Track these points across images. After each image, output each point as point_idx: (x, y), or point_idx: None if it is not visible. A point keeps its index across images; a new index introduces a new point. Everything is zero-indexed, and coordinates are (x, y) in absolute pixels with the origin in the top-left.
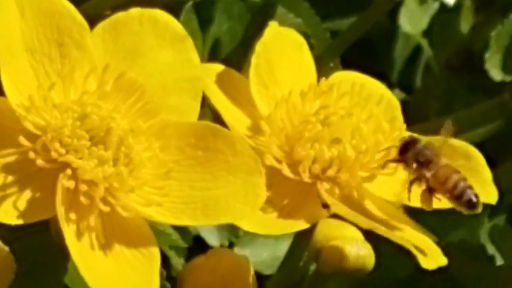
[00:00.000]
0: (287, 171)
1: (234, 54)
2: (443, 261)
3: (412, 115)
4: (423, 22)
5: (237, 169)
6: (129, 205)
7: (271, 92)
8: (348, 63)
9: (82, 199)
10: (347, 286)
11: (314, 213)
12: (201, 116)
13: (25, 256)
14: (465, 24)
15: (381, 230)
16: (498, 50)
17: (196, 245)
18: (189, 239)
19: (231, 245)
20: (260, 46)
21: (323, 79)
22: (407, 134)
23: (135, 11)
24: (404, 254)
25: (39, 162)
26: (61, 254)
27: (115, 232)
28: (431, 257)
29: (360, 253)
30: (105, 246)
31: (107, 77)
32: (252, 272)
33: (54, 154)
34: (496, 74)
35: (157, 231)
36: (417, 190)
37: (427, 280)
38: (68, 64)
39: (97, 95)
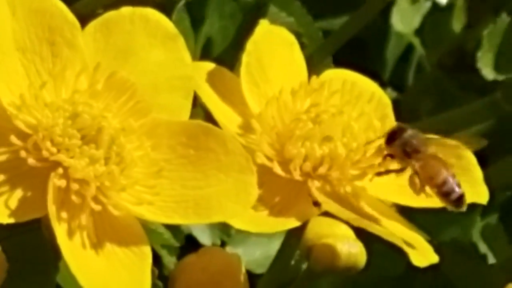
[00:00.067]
0: (278, 169)
1: (226, 53)
2: (434, 258)
3: (404, 114)
4: (415, 21)
5: (229, 168)
6: (121, 204)
7: (262, 90)
8: (340, 62)
9: (74, 198)
10: (338, 284)
11: (305, 211)
12: (193, 116)
13: (17, 255)
14: (457, 23)
15: (373, 228)
16: (490, 49)
17: (188, 244)
18: (181, 238)
19: (223, 244)
20: (251, 45)
21: (314, 77)
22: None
23: (126, 10)
24: (395, 252)
25: (31, 161)
26: (53, 253)
27: (107, 231)
28: (423, 254)
29: (352, 251)
30: (97, 245)
31: (99, 76)
32: (243, 270)
33: (45, 153)
34: (488, 73)
35: (149, 230)
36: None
37: (419, 278)
38: (59, 63)
39: (89, 94)
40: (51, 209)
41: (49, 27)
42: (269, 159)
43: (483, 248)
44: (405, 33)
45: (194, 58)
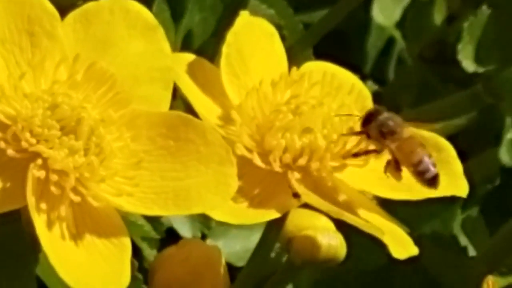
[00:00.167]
0: (258, 161)
1: (206, 45)
2: (414, 251)
3: (385, 107)
4: (396, 13)
5: (208, 159)
6: (100, 195)
7: (242, 81)
8: (321, 55)
9: (53, 189)
10: (318, 277)
11: (285, 202)
12: (174, 108)
13: None
14: (438, 16)
15: (352, 220)
16: (470, 41)
17: (169, 237)
18: (162, 231)
19: (203, 237)
20: (231, 36)
21: (294, 68)
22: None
23: (106, 0)
24: (375, 245)
25: (10, 152)
26: (32, 245)
27: (86, 222)
28: (403, 246)
29: (332, 243)
30: (76, 236)
31: (78, 66)
32: (223, 262)
33: (24, 144)
34: (468, 65)
35: (129, 222)
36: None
37: (399, 271)
38: (38, 54)
39: (68, 85)
40: (30, 200)
41: (28, 17)
42: (249, 150)
43: (463, 240)
44: (386, 26)
45: (175, 50)
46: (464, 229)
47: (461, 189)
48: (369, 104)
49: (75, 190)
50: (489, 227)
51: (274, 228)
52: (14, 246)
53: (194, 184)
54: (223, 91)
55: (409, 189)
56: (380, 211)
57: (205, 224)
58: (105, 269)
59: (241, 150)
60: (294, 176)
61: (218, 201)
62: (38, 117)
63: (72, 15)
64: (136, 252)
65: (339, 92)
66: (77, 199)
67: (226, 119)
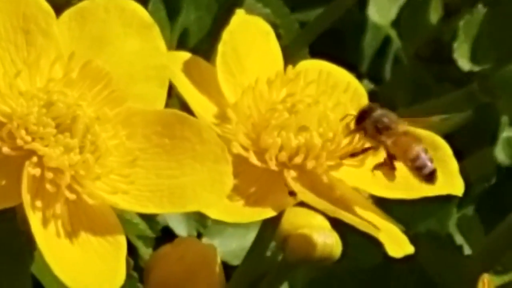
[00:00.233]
0: (254, 159)
1: (202, 44)
2: (410, 249)
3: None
4: (392, 12)
5: (204, 157)
6: (95, 193)
7: (238, 80)
8: (317, 54)
9: (48, 186)
10: (314, 275)
11: (281, 201)
12: (170, 107)
13: None
14: (434, 14)
15: (348, 218)
16: (466, 40)
17: (165, 236)
18: (157, 230)
19: (199, 236)
20: (226, 34)
21: (289, 67)
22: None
23: None
24: (371, 244)
25: (5, 149)
26: (28, 243)
27: (81, 220)
28: (398, 245)
29: (327, 241)
30: (71, 234)
31: (73, 64)
32: (219, 261)
33: (19, 142)
34: (464, 64)
35: (125, 220)
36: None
37: (395, 269)
38: (34, 52)
39: (63, 83)
40: (26, 198)
41: (23, 15)
42: (245, 148)
43: (459, 239)
44: (382, 25)
45: (170, 48)
46: (460, 228)
47: (457, 188)
48: (364, 103)
49: (70, 188)
50: (484, 226)
51: (269, 226)
52: (9, 244)
53: (189, 182)
54: (219, 90)
55: (404, 188)
56: (376, 210)
57: (201, 222)
58: (100, 267)
59: (237, 149)
60: (290, 175)
61: (213, 199)
62: (34, 115)
63: (67, 13)
64: (132, 250)
65: (335, 90)
66: (72, 197)
67: (222, 118)
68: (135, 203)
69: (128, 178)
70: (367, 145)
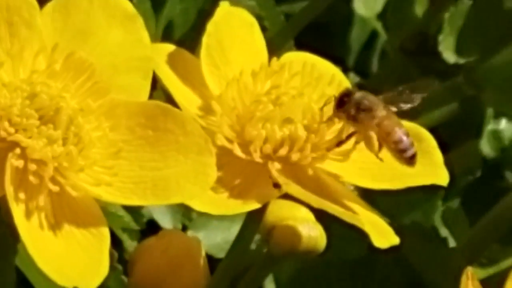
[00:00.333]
0: (238, 151)
1: (187, 36)
2: (395, 240)
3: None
4: (378, 5)
5: (187, 149)
6: (79, 185)
7: (222, 72)
8: (304, 47)
9: (31, 178)
10: (299, 267)
11: (265, 193)
12: (155, 99)
13: None
14: (419, 7)
15: (333, 209)
16: (451, 32)
17: (150, 229)
18: (142, 222)
19: (184, 228)
20: (211, 26)
21: (274, 59)
22: None
23: None
24: (356, 236)
25: None
26: (11, 235)
27: (65, 212)
28: (383, 236)
29: (312, 234)
30: (55, 226)
31: (57, 56)
32: (203, 254)
33: (3, 133)
34: (449, 56)
35: (110, 213)
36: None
37: (380, 261)
38: (17, 43)
39: (47, 74)
40: (9, 189)
41: (7, 7)
42: (229, 140)
43: (444, 232)
44: (368, 17)
45: (155, 40)
46: (445, 221)
47: (442, 178)
48: None
49: (53, 180)
50: (469, 219)
51: (254, 219)
52: None
53: (173, 174)
54: (204, 82)
55: (390, 179)
56: (361, 202)
57: (186, 215)
58: (83, 259)
59: (222, 141)
60: (275, 167)
61: (196, 191)
62: (17, 107)
63: (51, 5)
64: (117, 243)
65: (319, 82)
66: (55, 188)
67: (207, 110)
68: (118, 195)
69: (112, 170)
70: (351, 129)
